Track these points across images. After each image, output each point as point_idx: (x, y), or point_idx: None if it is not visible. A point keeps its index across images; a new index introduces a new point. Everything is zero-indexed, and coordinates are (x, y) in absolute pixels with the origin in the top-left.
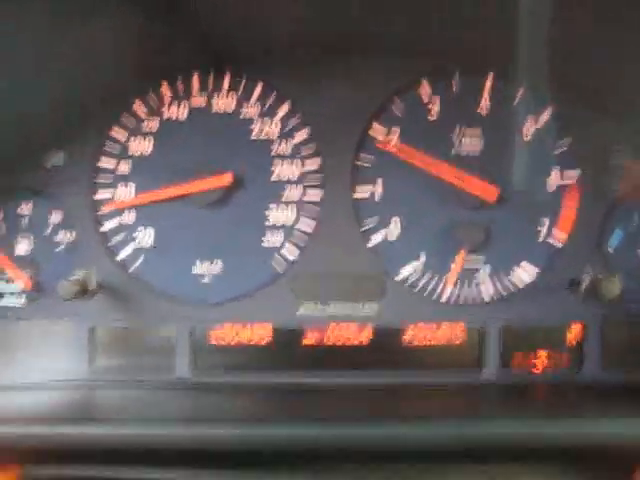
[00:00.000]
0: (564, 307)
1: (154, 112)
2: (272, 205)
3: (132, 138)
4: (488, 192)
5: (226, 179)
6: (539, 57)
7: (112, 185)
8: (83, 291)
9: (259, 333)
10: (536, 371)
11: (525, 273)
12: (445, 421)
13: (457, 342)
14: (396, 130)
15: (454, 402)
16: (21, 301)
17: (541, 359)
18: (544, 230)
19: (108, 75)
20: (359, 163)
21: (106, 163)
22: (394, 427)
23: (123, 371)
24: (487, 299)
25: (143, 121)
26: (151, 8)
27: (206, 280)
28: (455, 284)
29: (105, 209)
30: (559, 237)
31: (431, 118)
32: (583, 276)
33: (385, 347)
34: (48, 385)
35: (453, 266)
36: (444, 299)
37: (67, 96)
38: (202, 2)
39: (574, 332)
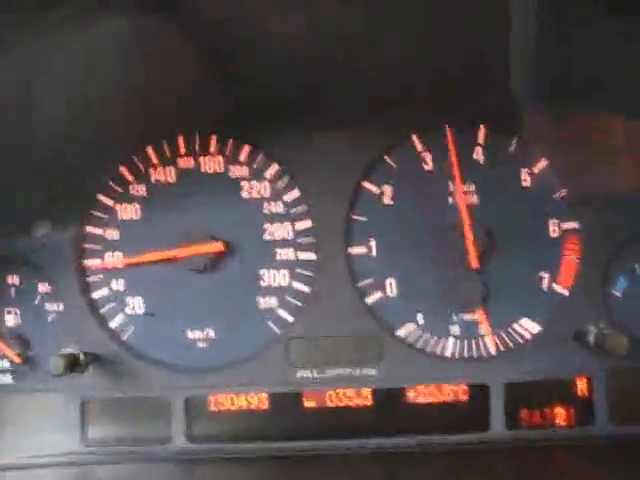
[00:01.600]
0: (570, 360)
1: (141, 176)
2: (266, 266)
3: (119, 204)
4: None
5: (217, 247)
6: (531, 107)
7: (100, 252)
8: (74, 365)
9: (257, 398)
10: (544, 428)
11: (528, 327)
12: None
13: (461, 400)
14: (388, 187)
15: (462, 466)
16: (10, 378)
17: (549, 415)
18: (545, 282)
19: (94, 141)
20: (352, 223)
21: (94, 230)
22: None
23: (118, 443)
24: (492, 352)
25: (130, 186)
26: (137, 74)
27: (201, 345)
28: (457, 338)
29: (93, 271)
30: (561, 289)
31: (424, 172)
32: (589, 329)
33: (388, 408)
34: (39, 463)
35: (482, 326)
36: (448, 354)
37: (53, 162)
38: (186, 66)
39: (581, 386)
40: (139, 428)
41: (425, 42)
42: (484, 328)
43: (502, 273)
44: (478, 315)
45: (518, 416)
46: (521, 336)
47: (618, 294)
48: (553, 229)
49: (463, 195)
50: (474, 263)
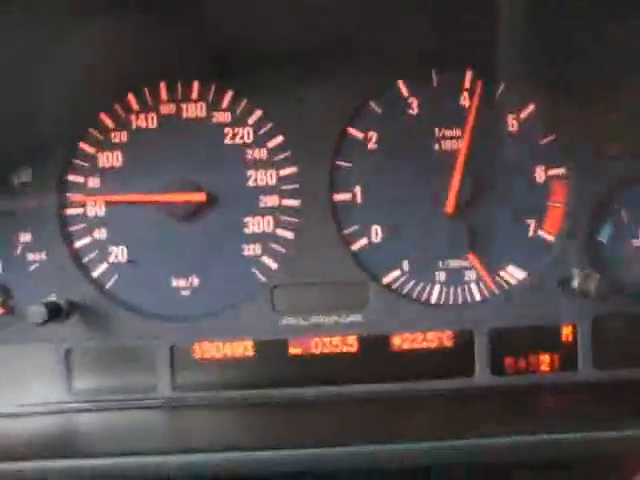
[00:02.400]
0: (555, 307)
1: (122, 124)
2: (250, 213)
3: (101, 151)
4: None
5: (199, 197)
6: (519, 52)
7: (81, 201)
8: (55, 314)
9: (242, 346)
10: (529, 374)
11: (514, 273)
12: (441, 439)
13: (446, 346)
14: (373, 132)
15: (447, 412)
16: None
17: (534, 362)
18: (531, 229)
19: (75, 89)
20: (337, 169)
21: (75, 178)
22: (388, 449)
23: (103, 393)
24: (477, 298)
25: (111, 133)
26: (120, 20)
27: (185, 294)
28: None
29: (74, 220)
30: (547, 235)
31: (410, 118)
32: (573, 274)
33: (373, 355)
34: (26, 412)
35: (481, 272)
36: (433, 301)
37: (34, 111)
38: (171, 13)
39: (567, 332)
40: (124, 377)
41: None
42: (479, 272)
43: (488, 220)
44: (471, 261)
45: (503, 362)
46: (507, 282)
47: (604, 240)
48: (539, 175)
49: (465, 147)
50: (450, 208)
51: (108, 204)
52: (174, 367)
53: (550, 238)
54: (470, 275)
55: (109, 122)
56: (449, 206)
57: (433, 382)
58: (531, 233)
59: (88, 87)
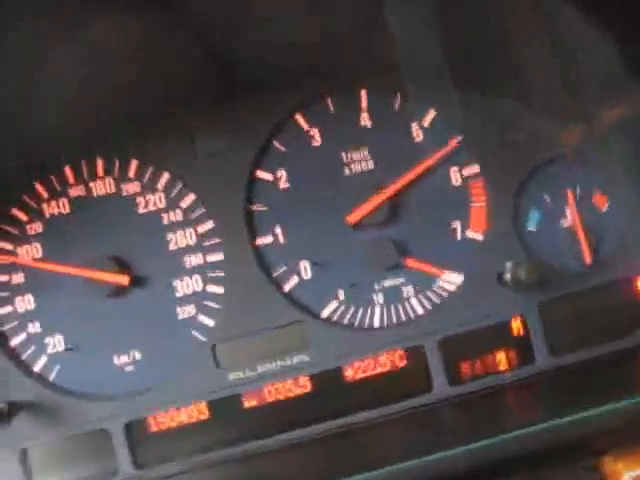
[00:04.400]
0: (498, 304)
1: (35, 214)
2: (177, 275)
3: (19, 246)
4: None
5: (122, 280)
6: (409, 62)
7: (10, 298)
8: None
9: (197, 410)
10: (487, 376)
11: (450, 279)
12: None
13: (400, 366)
14: (282, 171)
15: (413, 431)
16: None
17: (490, 363)
18: (458, 231)
19: None
20: (253, 214)
21: None
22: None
23: None
24: (420, 312)
25: (27, 225)
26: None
27: (129, 369)
28: (383, 306)
29: (6, 319)
30: (475, 235)
31: (315, 149)
32: (505, 267)
33: (329, 390)
34: None
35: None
36: (376, 324)
37: None
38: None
39: (516, 326)
40: (85, 466)
41: (295, 13)
42: (425, 272)
43: (414, 231)
44: (410, 265)
45: (459, 370)
46: (445, 290)
47: (533, 228)
48: (455, 177)
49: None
50: (352, 219)
51: (37, 296)
52: (132, 445)
53: (479, 237)
54: (408, 291)
55: (22, 215)
56: (370, 227)
57: (393, 406)
58: (459, 236)
59: None
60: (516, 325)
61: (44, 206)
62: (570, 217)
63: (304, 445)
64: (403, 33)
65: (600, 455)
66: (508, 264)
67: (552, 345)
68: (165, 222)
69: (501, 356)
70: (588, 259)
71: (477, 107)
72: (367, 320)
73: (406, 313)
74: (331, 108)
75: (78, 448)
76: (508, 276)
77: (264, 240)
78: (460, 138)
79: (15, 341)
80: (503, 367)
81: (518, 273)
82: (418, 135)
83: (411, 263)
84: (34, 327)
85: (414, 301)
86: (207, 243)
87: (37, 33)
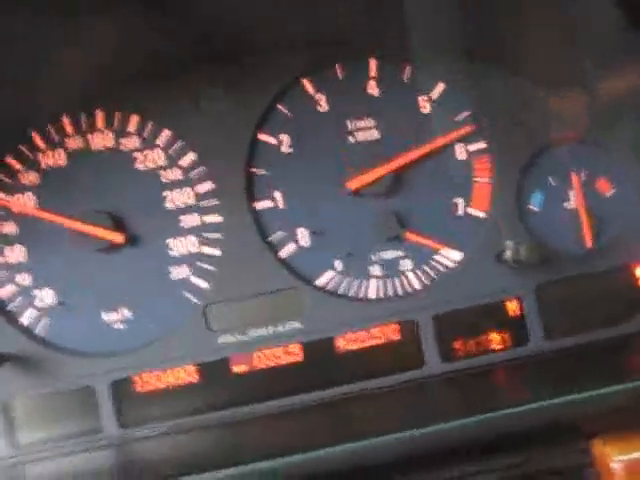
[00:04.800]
0: (496, 283)
1: (31, 163)
2: (172, 235)
3: (11, 195)
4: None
5: (116, 238)
6: (422, 33)
7: (0, 248)
8: None
9: (184, 372)
10: (480, 355)
11: (449, 255)
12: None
13: (393, 340)
14: (285, 135)
15: (403, 405)
16: None
17: (484, 342)
18: (460, 208)
19: None
20: (253, 177)
21: None
22: (347, 448)
23: (49, 442)
24: (416, 286)
25: (20, 175)
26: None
27: (118, 327)
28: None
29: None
30: (477, 212)
31: (320, 115)
32: (506, 245)
33: (319, 360)
34: None
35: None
36: (372, 296)
37: None
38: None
39: (512, 307)
40: (68, 423)
41: None
42: (424, 245)
43: (416, 204)
44: (409, 238)
45: (452, 347)
46: (444, 265)
47: (536, 209)
48: (460, 152)
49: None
50: (352, 185)
51: (28, 247)
52: (117, 404)
53: (481, 214)
54: (406, 264)
55: (16, 164)
56: (372, 197)
57: (384, 379)
58: (461, 212)
59: None
60: (512, 306)
61: (40, 156)
62: (574, 200)
63: (292, 413)
64: (416, 4)
65: (590, 438)
66: (509, 243)
67: (547, 327)
68: (163, 180)
69: (495, 336)
70: (589, 243)
71: (487, 83)
72: (362, 291)
73: (402, 287)
74: (339, 75)
75: (62, 404)
76: (508, 254)
77: (263, 204)
78: (468, 113)
79: (3, 292)
80: (497, 347)
81: (519, 252)
82: (425, 107)
83: (411, 236)
84: (23, 279)
85: (411, 275)
86: (205, 204)
87: None
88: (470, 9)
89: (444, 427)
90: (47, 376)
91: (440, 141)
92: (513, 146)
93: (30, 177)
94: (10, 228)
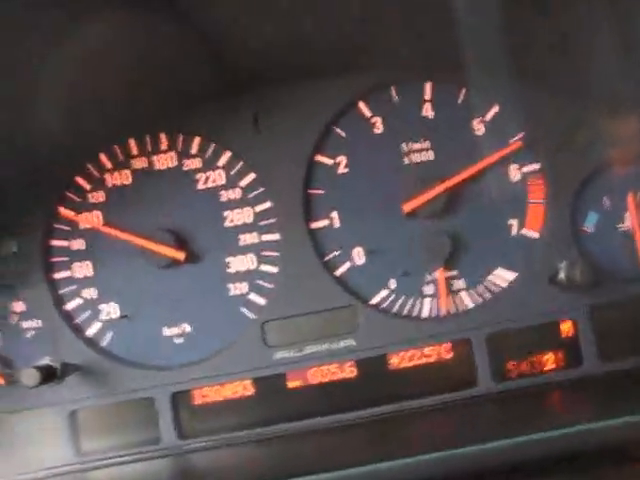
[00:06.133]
0: (549, 303)
1: (98, 183)
2: (231, 252)
3: (80, 213)
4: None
5: (178, 256)
6: (477, 56)
7: (68, 263)
8: (49, 376)
9: (241, 386)
10: (533, 376)
11: (503, 275)
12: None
13: (445, 359)
14: (341, 156)
15: (454, 423)
16: None
17: (537, 362)
18: (514, 229)
19: (46, 153)
20: (310, 197)
21: (58, 242)
22: (400, 464)
23: (110, 450)
24: (470, 306)
25: (88, 194)
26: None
27: (178, 341)
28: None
29: (64, 283)
30: (531, 233)
31: (376, 137)
32: (559, 266)
33: (372, 377)
34: (36, 477)
35: (439, 288)
36: (425, 315)
37: (9, 182)
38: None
39: (566, 328)
40: (129, 432)
41: (360, 6)
42: (440, 289)
43: (470, 225)
44: (440, 279)
45: (504, 367)
46: (497, 286)
47: (589, 229)
48: (514, 174)
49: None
50: (407, 208)
51: (95, 263)
52: (176, 415)
53: (534, 235)
54: (459, 284)
55: (85, 183)
56: (426, 218)
57: (436, 397)
58: (515, 233)
59: (60, 151)
60: (566, 327)
61: (107, 176)
62: (629, 221)
63: (344, 429)
64: (471, 29)
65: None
66: (563, 264)
67: (601, 349)
68: (223, 199)
69: (548, 356)
70: None
71: (541, 105)
72: (416, 310)
73: (455, 306)
74: (395, 97)
75: (124, 414)
76: (562, 276)
77: (320, 223)
78: (522, 134)
79: (70, 305)
80: (550, 368)
81: (573, 274)
82: (480, 129)
83: (439, 273)
84: (90, 293)
85: (464, 294)
86: (263, 222)
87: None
88: (524, 32)
89: (492, 446)
90: (110, 387)
91: (492, 158)
92: (567, 167)
93: (97, 196)
94: (78, 245)
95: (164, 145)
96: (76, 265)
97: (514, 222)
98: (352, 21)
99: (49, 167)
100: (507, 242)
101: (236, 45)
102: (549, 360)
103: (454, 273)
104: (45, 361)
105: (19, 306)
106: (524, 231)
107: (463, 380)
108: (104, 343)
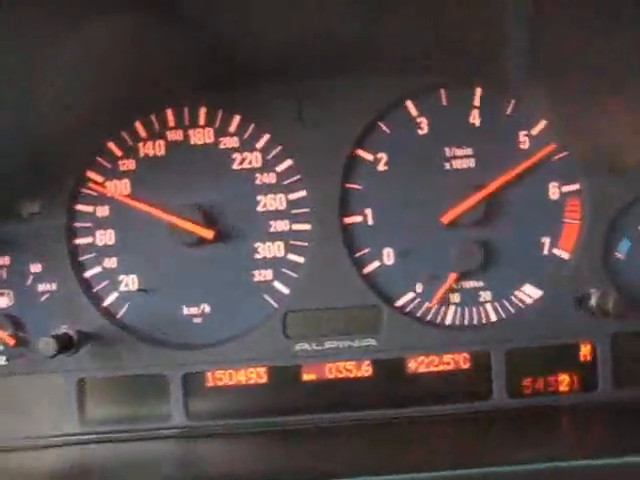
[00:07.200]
0: (572, 325)
1: (130, 151)
2: (260, 238)
3: (109, 180)
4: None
5: (207, 234)
6: (529, 68)
7: (91, 230)
8: (66, 346)
9: (255, 373)
10: (547, 395)
11: (530, 292)
12: (458, 468)
13: (463, 368)
14: (383, 153)
15: (465, 437)
16: (4, 359)
17: (552, 382)
18: (546, 247)
19: (81, 117)
20: (347, 191)
21: (84, 207)
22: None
23: (116, 423)
24: (493, 319)
25: (119, 161)
26: (125, 46)
27: (197, 321)
28: (457, 305)
29: (84, 250)
30: (562, 253)
31: (420, 138)
32: (591, 292)
33: (388, 379)
34: (38, 444)
35: (441, 288)
36: (448, 322)
37: (40, 141)
38: (172, 37)
39: (585, 351)
40: (137, 406)
41: (418, 6)
42: (441, 289)
43: (503, 238)
44: (450, 280)
45: (521, 383)
46: (522, 302)
47: (622, 256)
48: (553, 192)
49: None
50: (446, 220)
51: (118, 232)
52: (187, 396)
53: (566, 255)
54: (485, 296)
55: (117, 150)
56: (461, 226)
57: (450, 406)
58: (546, 251)
59: (95, 115)
60: (585, 350)
61: (140, 145)
62: None
63: (354, 429)
64: (526, 42)
65: None
66: (595, 291)
67: (618, 376)
68: (258, 182)
69: (565, 378)
70: None
71: (589, 126)
72: (440, 317)
73: (479, 317)
74: (443, 100)
75: (133, 389)
76: (593, 303)
77: (353, 219)
78: (566, 153)
79: (90, 273)
80: (564, 389)
81: (605, 302)
82: (524, 143)
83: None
84: (110, 262)
85: (489, 307)
86: (296, 211)
87: None
88: (579, 53)
89: (494, 470)
90: (123, 359)
91: (527, 164)
92: (609, 192)
93: (128, 163)
94: (103, 212)
95: (202, 120)
96: (99, 232)
97: (547, 240)
98: (411, 21)
99: (82, 131)
100: (538, 259)
101: (285, 34)
102: (564, 381)
103: (481, 284)
104: (61, 329)
105: (36, 267)
106: (555, 250)
107: (478, 392)
108: (120, 314)
